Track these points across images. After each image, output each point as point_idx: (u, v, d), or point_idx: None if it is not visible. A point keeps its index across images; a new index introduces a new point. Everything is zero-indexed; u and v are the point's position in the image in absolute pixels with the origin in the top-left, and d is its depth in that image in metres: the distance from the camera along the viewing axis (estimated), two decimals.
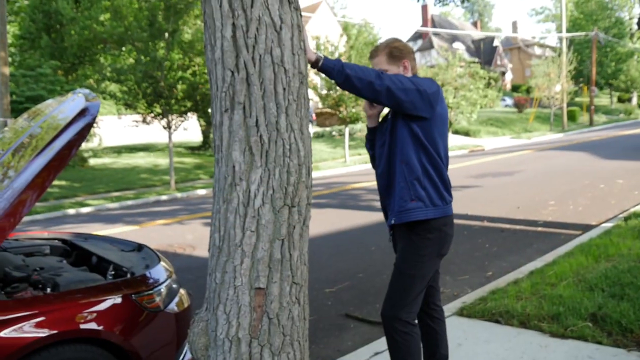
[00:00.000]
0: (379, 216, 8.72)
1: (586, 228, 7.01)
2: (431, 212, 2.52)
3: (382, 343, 3.73)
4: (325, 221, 8.49)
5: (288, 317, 2.00)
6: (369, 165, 15.46)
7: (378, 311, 4.61)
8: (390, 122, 2.63)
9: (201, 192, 14.63)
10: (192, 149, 24.43)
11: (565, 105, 35.24)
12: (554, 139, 27.38)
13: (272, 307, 1.97)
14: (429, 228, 2.53)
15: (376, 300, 4.88)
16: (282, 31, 2.01)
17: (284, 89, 2.01)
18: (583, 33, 41.42)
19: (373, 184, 13.35)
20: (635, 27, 50.75)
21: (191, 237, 8.05)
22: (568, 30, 42.27)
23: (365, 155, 22.63)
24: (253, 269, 1.95)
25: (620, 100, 55.35)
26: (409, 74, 2.70)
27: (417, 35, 58.90)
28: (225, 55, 1.97)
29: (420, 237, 2.54)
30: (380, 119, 2.84)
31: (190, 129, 17.00)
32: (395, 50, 2.69)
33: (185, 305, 3.10)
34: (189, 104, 14.77)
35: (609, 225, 6.77)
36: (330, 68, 2.35)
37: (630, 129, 28.81)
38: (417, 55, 58.66)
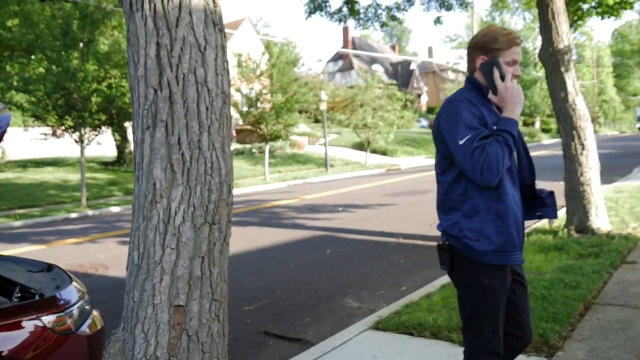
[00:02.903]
0: (298, 234, 8.84)
1: None
2: None
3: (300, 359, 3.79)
4: (244, 239, 8.46)
5: (207, 334, 2.01)
6: (289, 183, 15.70)
7: (297, 328, 4.70)
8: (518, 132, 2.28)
9: (115, 209, 14.12)
10: (106, 164, 23.52)
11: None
12: None
13: (192, 324, 1.97)
14: None
15: (295, 317, 4.93)
16: (206, 52, 2.05)
17: (207, 108, 2.05)
18: None
19: (293, 201, 13.49)
20: (537, 57, 54.55)
21: (104, 256, 7.76)
22: None
23: (284, 173, 22.76)
24: (173, 286, 1.96)
25: (525, 124, 59.09)
26: None
27: (338, 56, 60.28)
28: (148, 73, 1.98)
29: None
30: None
31: (104, 144, 16.36)
32: None
33: (99, 327, 3.01)
34: (103, 117, 14.24)
35: None
36: None
37: (534, 151, 30.63)
38: (338, 76, 60.01)
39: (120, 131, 20.65)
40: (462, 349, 3.75)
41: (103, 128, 14.87)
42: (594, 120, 55.28)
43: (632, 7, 8.36)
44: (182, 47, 2.00)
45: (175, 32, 1.98)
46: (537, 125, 58.96)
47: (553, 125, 57.37)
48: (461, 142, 2.10)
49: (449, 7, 13.52)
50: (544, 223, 7.83)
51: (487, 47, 2.24)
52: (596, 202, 6.91)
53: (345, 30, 61.02)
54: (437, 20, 14.11)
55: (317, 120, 39.66)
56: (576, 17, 8.65)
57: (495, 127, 2.16)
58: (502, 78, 2.20)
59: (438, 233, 7.50)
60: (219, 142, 2.09)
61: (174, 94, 1.99)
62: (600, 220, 6.96)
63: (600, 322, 4.01)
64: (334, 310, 5.11)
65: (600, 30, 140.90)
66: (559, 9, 6.88)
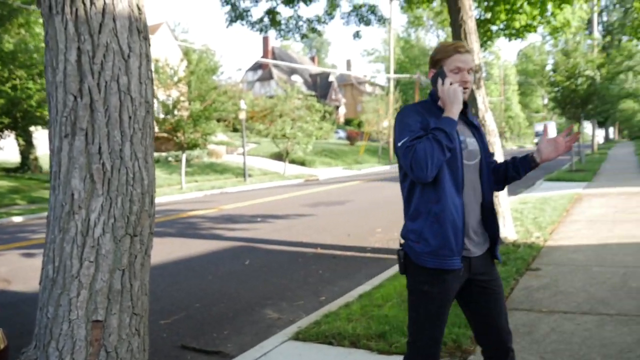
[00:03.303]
0: (216, 244, 8.71)
1: None
2: None
3: None
4: (161, 250, 8.21)
5: (127, 349, 1.95)
6: (206, 192, 15.39)
7: (216, 340, 4.62)
8: (481, 140, 2.46)
9: (17, 219, 13.26)
10: (8, 171, 22.01)
11: (391, 139, 38.33)
12: (382, 171, 29.58)
13: (111, 340, 1.91)
14: None
15: (213, 330, 4.85)
16: (130, 59, 2.00)
17: (130, 117, 2.00)
18: (408, 75, 45.67)
19: (210, 212, 13.27)
20: None
21: (5, 269, 7.26)
22: (395, 72, 46.24)
23: (202, 182, 22.36)
24: (91, 300, 1.89)
25: None
26: None
27: (258, 66, 60.20)
28: (68, 79, 1.91)
29: None
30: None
31: (6, 149, 15.37)
32: None
33: (1, 345, 2.82)
34: (6, 121, 13.42)
35: None
36: None
37: None
38: (257, 85, 59.87)
39: (24, 136, 19.44)
40: (380, 356, 3.88)
41: (6, 132, 13.97)
42: (501, 135, 58.59)
43: (535, 31, 8.98)
44: (105, 54, 1.94)
45: (97, 38, 1.93)
46: None
47: None
48: (399, 144, 2.26)
49: (367, 22, 13.88)
50: None
51: (434, 59, 2.40)
52: (504, 213, 7.33)
53: (266, 40, 61.11)
54: (357, 35, 14.44)
55: (235, 130, 39.33)
56: (486, 38, 9.18)
57: None
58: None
59: (354, 243, 7.67)
60: (141, 152, 2.05)
61: (96, 101, 1.93)
62: (508, 230, 7.39)
63: None
64: (254, 322, 5.08)
65: (507, 50, 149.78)
66: (471, 30, 7.28)
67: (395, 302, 4.96)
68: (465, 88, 2.35)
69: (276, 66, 59.63)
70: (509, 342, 2.47)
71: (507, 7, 7.77)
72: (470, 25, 7.36)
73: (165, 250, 8.32)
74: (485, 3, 8.52)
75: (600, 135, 56.24)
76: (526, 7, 7.65)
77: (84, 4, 1.92)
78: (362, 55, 79.08)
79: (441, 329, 2.38)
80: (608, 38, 33.08)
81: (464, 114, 2.42)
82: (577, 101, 20.70)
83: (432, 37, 78.75)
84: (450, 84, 2.32)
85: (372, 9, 13.60)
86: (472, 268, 2.38)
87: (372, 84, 73.47)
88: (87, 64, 1.92)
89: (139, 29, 2.06)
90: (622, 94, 27.89)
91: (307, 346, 4.18)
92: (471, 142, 2.39)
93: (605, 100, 23.55)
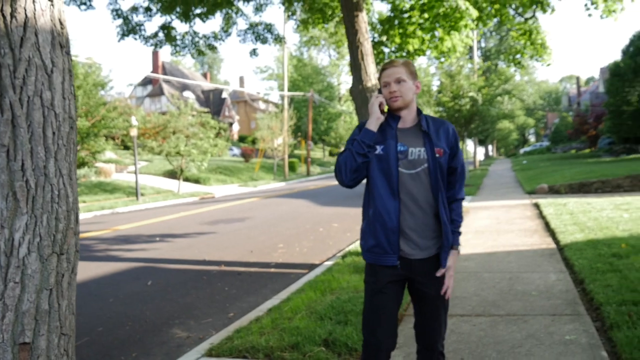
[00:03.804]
0: (114, 266, 8.35)
1: (311, 267, 7.85)
2: None
3: None
4: None
5: None
6: (96, 213, 14.71)
7: None
8: (430, 150, 2.55)
9: None
10: None
11: (286, 156, 38.73)
12: (278, 187, 29.76)
13: None
14: None
15: (121, 354, 4.69)
16: (53, 74, 1.98)
17: (54, 133, 1.97)
18: (302, 93, 46.49)
19: (104, 232, 12.69)
20: (342, 92, 59.06)
21: None
22: (288, 90, 46.93)
23: (90, 203, 21.24)
24: (17, 323, 1.82)
25: (331, 154, 63.18)
26: (415, 96, 2.68)
27: (147, 81, 58.34)
28: None
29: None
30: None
31: None
32: (412, 67, 2.66)
33: None
34: None
35: (330, 263, 7.71)
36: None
37: None
38: (147, 101, 58.01)
39: None
40: None
41: None
42: None
43: (424, 54, 9.62)
44: (27, 69, 1.90)
45: (19, 52, 1.89)
46: None
47: None
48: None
49: (264, 41, 14.06)
50: (356, 246, 8.49)
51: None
52: None
53: (156, 54, 59.48)
54: (253, 52, 14.55)
55: (126, 147, 37.78)
56: (378, 60, 9.68)
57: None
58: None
59: (258, 259, 7.79)
60: (65, 169, 2.02)
61: (18, 117, 1.88)
62: None
63: (412, 331, 4.50)
64: (162, 342, 4.97)
65: None
66: (367, 51, 7.67)
67: (305, 314, 5.09)
68: (393, 98, 2.56)
69: (167, 82, 58.18)
70: (437, 346, 2.69)
71: (401, 31, 8.30)
72: (367, 47, 7.76)
73: None
74: (380, 27, 9.02)
75: (480, 152, 60.63)
76: (418, 32, 8.22)
77: (4, 17, 1.87)
78: (255, 73, 79.18)
79: (379, 321, 2.55)
80: (488, 63, 35.93)
81: (418, 124, 2.60)
82: (462, 121, 22.22)
83: (324, 57, 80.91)
84: (381, 98, 2.59)
85: (269, 28, 13.80)
86: (412, 269, 2.55)
87: (266, 101, 73.87)
88: (8, 78, 1.87)
89: (62, 44, 2.04)
90: (500, 115, 30.39)
91: None
92: (415, 152, 2.53)
93: (485, 120, 25.52)
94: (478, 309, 5.02)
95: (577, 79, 73.67)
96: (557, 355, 3.76)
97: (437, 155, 2.53)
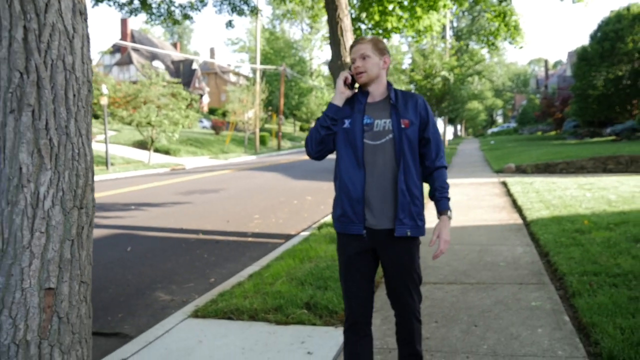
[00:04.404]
0: (94, 233, 8.38)
1: (288, 237, 8.05)
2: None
3: (120, 353, 3.79)
4: None
5: (77, 315, 2.06)
6: None
7: (111, 324, 4.61)
8: (396, 120, 2.60)
9: None
10: None
11: (258, 130, 38.61)
12: (249, 161, 29.78)
13: (62, 306, 2.01)
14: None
15: (107, 314, 4.83)
16: (74, 40, 2.09)
17: (74, 95, 2.09)
18: (274, 67, 46.16)
19: None
20: (314, 66, 58.78)
21: None
22: (260, 63, 46.50)
23: None
24: (43, 269, 1.97)
25: (302, 129, 63.17)
26: (385, 71, 2.73)
27: (116, 49, 56.97)
28: (14, 56, 1.96)
29: (417, 247, 2.72)
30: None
31: None
32: (381, 44, 2.69)
33: None
34: None
35: (306, 233, 7.94)
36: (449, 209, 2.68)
37: None
38: (115, 69, 56.76)
39: None
40: (279, 327, 4.19)
41: None
42: None
43: (400, 32, 9.79)
44: (51, 33, 2.02)
45: (44, 17, 2.00)
46: None
47: None
48: None
49: (240, 12, 13.98)
50: (331, 217, 8.72)
51: None
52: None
53: (124, 22, 58.05)
54: (229, 24, 14.46)
55: (95, 116, 37.06)
56: (355, 36, 9.79)
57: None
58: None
59: (235, 229, 7.97)
60: (84, 129, 2.15)
61: (42, 79, 2.00)
62: None
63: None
64: (147, 304, 5.13)
65: None
66: (347, 27, 7.79)
67: (285, 279, 5.30)
68: (358, 74, 2.64)
69: (136, 50, 56.96)
70: (409, 314, 2.73)
71: (381, 8, 8.43)
72: (346, 23, 7.87)
73: None
74: (359, 4, 9.13)
75: (449, 131, 61.39)
76: (398, 10, 8.37)
77: None
78: (226, 44, 78.16)
79: (351, 288, 2.67)
80: (461, 43, 36.30)
81: (387, 98, 2.68)
82: (433, 100, 22.56)
83: (297, 30, 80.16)
84: (347, 74, 2.69)
85: None
86: (375, 239, 2.61)
87: (237, 74, 73.07)
88: (34, 42, 1.98)
89: (81, 11, 2.14)
90: (470, 95, 30.84)
91: (207, 322, 4.36)
92: (380, 123, 2.60)
93: (457, 100, 25.91)
94: (450, 277, 5.31)
95: (546, 62, 74.93)
96: (524, 319, 4.06)
97: (403, 126, 2.57)
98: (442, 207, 2.67)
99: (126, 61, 57.18)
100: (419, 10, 8.51)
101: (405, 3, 8.41)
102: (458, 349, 3.61)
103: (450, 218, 2.67)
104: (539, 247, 6.30)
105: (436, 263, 5.83)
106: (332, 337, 3.89)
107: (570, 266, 5.14)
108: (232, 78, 71.54)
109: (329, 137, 2.65)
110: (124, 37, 57.70)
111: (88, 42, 2.19)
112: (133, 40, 57.21)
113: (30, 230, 1.96)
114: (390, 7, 8.43)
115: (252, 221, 9.41)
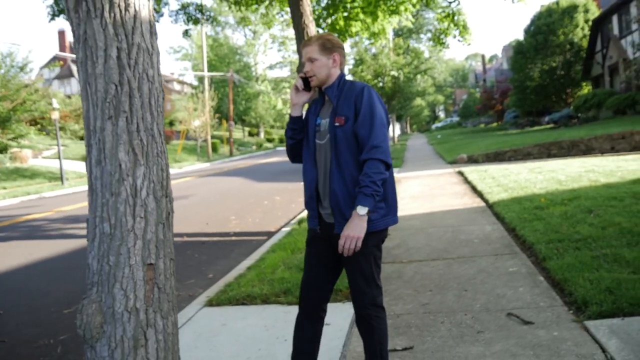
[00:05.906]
0: (78, 242, 8.50)
1: (269, 234, 8.45)
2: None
3: None
4: (17, 253, 7.87)
5: (170, 286, 2.46)
6: (22, 199, 14.68)
7: None
8: (332, 119, 2.64)
9: None
10: None
11: (209, 137, 38.57)
12: (204, 168, 29.81)
13: (160, 279, 2.40)
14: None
15: None
16: (152, 56, 2.49)
17: (155, 102, 2.50)
18: (221, 73, 46.13)
19: (49, 214, 12.58)
20: (259, 71, 58.91)
21: None
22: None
23: (12, 189, 20.52)
24: (144, 248, 2.36)
25: (250, 134, 63.21)
26: (337, 68, 2.74)
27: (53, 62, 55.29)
28: (110, 71, 2.34)
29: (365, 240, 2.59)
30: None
31: None
32: (328, 43, 2.69)
33: None
34: None
35: (287, 229, 8.36)
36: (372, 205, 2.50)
37: (265, 158, 33.53)
38: (56, 83, 55.21)
39: None
40: (291, 307, 4.62)
41: None
42: None
43: (355, 36, 10.33)
44: (137, 52, 2.42)
45: (132, 38, 2.39)
46: (262, 135, 63.56)
47: (275, 135, 62.57)
48: None
49: (196, 22, 14.24)
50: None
51: None
52: None
53: (62, 34, 56.56)
54: (185, 33, 14.69)
55: (45, 132, 36.06)
56: None
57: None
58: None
59: (217, 230, 8.42)
60: (162, 131, 2.55)
61: (133, 89, 2.39)
62: None
63: (382, 275, 5.28)
64: None
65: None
66: (312, 33, 8.27)
67: (284, 268, 5.72)
68: (309, 78, 2.73)
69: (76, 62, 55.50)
70: (364, 307, 2.68)
71: (345, 14, 8.96)
72: (312, 29, 8.36)
73: (25, 252, 7.99)
74: (324, 12, 9.61)
75: (397, 128, 62.80)
76: (361, 15, 8.92)
77: (120, 10, 2.36)
78: (168, 53, 76.94)
79: (307, 276, 2.84)
80: (407, 42, 37.47)
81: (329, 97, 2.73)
82: (384, 98, 23.38)
83: (240, 36, 79.98)
84: (299, 82, 2.79)
85: (200, 8, 14.03)
86: (328, 233, 2.70)
87: (181, 82, 72.34)
88: (125, 59, 2.36)
89: (154, 32, 2.55)
90: (415, 93, 31.98)
91: (224, 309, 4.74)
92: (324, 123, 2.70)
93: (406, 97, 26.87)
94: (432, 255, 5.89)
95: (482, 56, 77.89)
96: (506, 281, 4.66)
97: (336, 124, 2.59)
98: (356, 202, 2.49)
99: (66, 74, 55.75)
100: (380, 15, 9.08)
101: (368, 9, 8.93)
102: (456, 309, 4.16)
103: (360, 215, 2.46)
104: (505, 224, 6.96)
105: (417, 244, 6.40)
106: (343, 310, 4.35)
107: (536, 237, 5.80)
108: (177, 87, 70.77)
109: (297, 144, 2.84)
110: (62, 49, 56.21)
111: (159, 57, 2.60)
112: (72, 51, 55.78)
113: (133, 215, 2.35)
114: (354, 12, 8.94)
115: (230, 222, 9.75)
